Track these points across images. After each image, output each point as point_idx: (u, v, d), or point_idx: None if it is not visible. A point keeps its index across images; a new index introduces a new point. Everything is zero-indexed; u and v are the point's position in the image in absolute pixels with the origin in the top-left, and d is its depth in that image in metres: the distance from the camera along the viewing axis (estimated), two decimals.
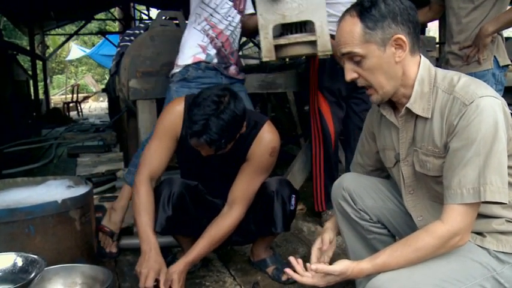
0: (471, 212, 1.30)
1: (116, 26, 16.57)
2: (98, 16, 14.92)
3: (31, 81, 10.67)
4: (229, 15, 2.51)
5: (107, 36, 14.99)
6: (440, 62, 2.77)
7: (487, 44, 2.35)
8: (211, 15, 2.47)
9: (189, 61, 2.45)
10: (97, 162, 5.37)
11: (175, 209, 1.99)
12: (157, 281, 1.81)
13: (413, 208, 1.53)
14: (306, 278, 1.42)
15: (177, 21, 3.20)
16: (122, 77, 2.95)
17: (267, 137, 1.96)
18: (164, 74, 2.84)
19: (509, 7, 2.43)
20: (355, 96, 2.71)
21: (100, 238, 2.46)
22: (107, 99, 10.83)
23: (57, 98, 17.54)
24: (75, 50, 19.45)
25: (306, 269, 1.43)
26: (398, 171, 1.54)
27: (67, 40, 14.73)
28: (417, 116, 1.42)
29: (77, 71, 25.22)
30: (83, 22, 13.80)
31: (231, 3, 2.51)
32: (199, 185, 2.11)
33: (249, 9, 2.64)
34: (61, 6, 9.62)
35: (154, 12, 12.62)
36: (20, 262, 1.65)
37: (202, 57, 2.46)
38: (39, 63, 12.54)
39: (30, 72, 10.85)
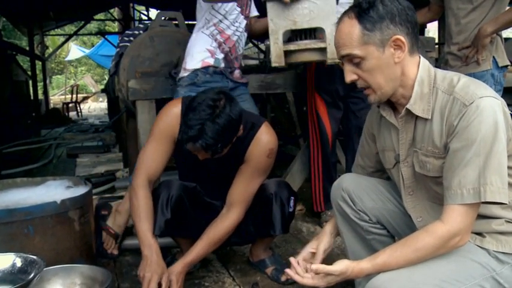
0: (471, 212, 1.30)
1: (115, 27, 16.57)
2: (97, 16, 14.93)
3: (30, 82, 10.66)
4: (237, 21, 2.53)
5: (106, 36, 15.00)
6: (439, 62, 2.77)
7: (486, 44, 2.36)
8: (220, 21, 2.48)
9: (198, 65, 2.45)
10: (96, 162, 5.38)
11: (174, 212, 1.99)
12: (159, 285, 1.81)
13: (413, 209, 1.53)
14: (306, 279, 1.42)
15: (177, 22, 3.20)
16: (121, 77, 2.95)
17: (265, 138, 1.96)
18: (163, 75, 2.84)
19: (508, 8, 2.43)
20: (353, 95, 2.71)
21: (104, 238, 2.46)
22: (106, 100, 10.83)
23: (56, 98, 17.53)
24: (75, 51, 19.45)
25: (306, 270, 1.43)
26: (398, 172, 1.54)
27: (66, 40, 14.72)
28: (417, 117, 1.42)
29: (76, 71, 25.22)
30: (82, 22, 13.79)
31: (238, 9, 2.53)
32: (198, 186, 2.11)
33: (253, 12, 2.66)
34: (60, 6, 9.62)
35: (153, 13, 12.62)
36: (19, 262, 1.64)
37: (211, 61, 2.47)
38: (38, 64, 12.53)
39: (29, 73, 10.85)
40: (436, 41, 5.99)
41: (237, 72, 2.59)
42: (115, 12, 13.65)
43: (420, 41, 1.43)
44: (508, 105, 1.37)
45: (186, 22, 3.23)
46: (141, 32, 3.21)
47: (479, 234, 1.39)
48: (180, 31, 3.05)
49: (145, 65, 2.87)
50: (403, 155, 1.50)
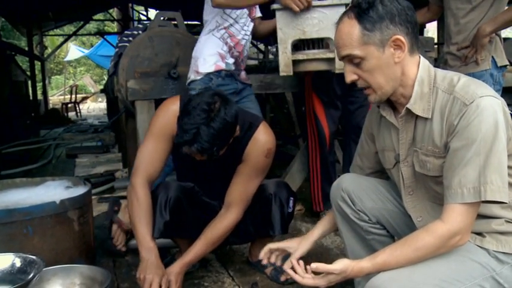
0: (471, 211, 1.30)
1: (114, 27, 16.57)
2: (96, 17, 14.93)
3: (29, 82, 10.67)
4: (246, 25, 2.54)
5: (105, 36, 14.99)
6: (438, 62, 2.78)
7: (485, 44, 2.36)
8: (231, 25, 2.48)
9: (212, 69, 2.45)
10: (95, 162, 5.38)
11: (172, 214, 1.98)
12: (160, 286, 1.81)
13: (413, 209, 1.53)
14: (306, 279, 1.42)
15: (176, 22, 3.20)
16: (121, 77, 2.95)
17: (263, 138, 1.95)
18: (163, 75, 2.84)
19: (506, 7, 2.43)
20: (350, 95, 2.71)
21: (114, 233, 2.43)
22: (105, 100, 10.82)
23: (55, 98, 17.52)
24: (74, 51, 19.44)
25: (306, 270, 1.43)
26: (398, 172, 1.54)
27: (65, 41, 14.72)
28: (417, 117, 1.42)
29: (76, 71, 25.21)
30: (82, 23, 13.81)
31: (247, 13, 2.53)
32: (196, 186, 2.10)
33: (257, 13, 2.66)
34: (59, 6, 9.62)
35: (152, 13, 12.62)
36: (18, 263, 1.64)
37: (223, 65, 2.47)
38: (37, 64, 12.54)
39: (28, 73, 10.85)
40: (435, 41, 5.99)
41: (243, 74, 2.60)
42: (114, 12, 13.65)
43: (419, 41, 1.43)
44: (508, 105, 1.38)
45: (185, 22, 3.23)
46: (140, 32, 3.21)
47: (479, 234, 1.39)
48: (179, 31, 3.05)
49: (144, 65, 2.87)
50: (403, 155, 1.50)
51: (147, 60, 2.90)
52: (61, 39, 14.94)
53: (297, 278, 1.43)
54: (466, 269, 1.33)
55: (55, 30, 15.43)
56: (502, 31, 2.48)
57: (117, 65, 3.21)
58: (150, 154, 1.94)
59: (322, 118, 2.80)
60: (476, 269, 1.33)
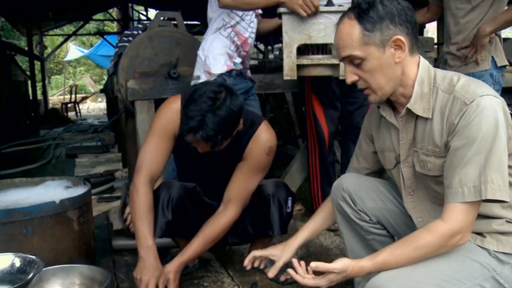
0: (472, 210, 1.30)
1: (114, 27, 16.57)
2: (96, 16, 14.93)
3: (29, 82, 10.68)
4: (252, 21, 2.52)
5: (105, 36, 14.99)
6: (438, 62, 2.78)
7: (485, 44, 2.36)
8: (237, 22, 2.46)
9: (224, 69, 2.43)
10: (95, 162, 5.38)
11: (174, 213, 1.98)
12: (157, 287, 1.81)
13: (414, 209, 1.53)
14: (307, 279, 1.42)
15: (175, 22, 3.20)
16: (120, 77, 2.95)
17: (264, 136, 1.96)
18: (162, 75, 2.84)
19: (506, 7, 2.44)
20: (349, 95, 2.71)
21: (126, 214, 2.35)
22: (105, 100, 10.83)
23: (55, 98, 17.52)
24: (74, 51, 19.44)
25: (307, 271, 1.43)
26: (399, 173, 1.54)
27: (65, 40, 14.72)
28: (417, 117, 1.42)
29: (75, 71, 25.22)
30: (81, 22, 13.81)
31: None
32: (197, 186, 2.10)
33: (259, 10, 2.65)
34: (59, 6, 9.62)
35: (152, 13, 12.62)
36: (18, 263, 1.65)
37: (232, 65, 2.46)
38: (37, 64, 12.54)
39: (28, 73, 10.86)
40: (435, 41, 5.99)
41: (248, 72, 2.61)
42: (114, 12, 13.66)
43: (419, 41, 1.43)
44: (508, 105, 1.38)
45: (185, 22, 3.23)
46: (140, 32, 3.21)
47: (479, 234, 1.39)
48: (179, 31, 3.05)
49: (144, 65, 2.87)
50: (403, 155, 1.50)
51: (146, 60, 2.90)
52: (61, 39, 14.94)
53: (297, 278, 1.43)
54: (467, 269, 1.33)
55: (55, 30, 15.44)
56: (502, 31, 2.48)
57: (117, 65, 3.21)
58: (152, 153, 1.94)
59: (322, 118, 2.80)
60: (476, 269, 1.33)
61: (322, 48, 2.32)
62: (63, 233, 2.02)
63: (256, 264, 1.74)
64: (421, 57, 1.42)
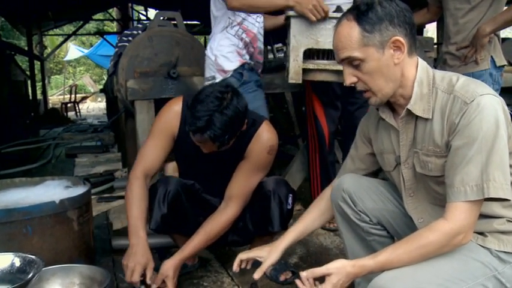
0: (474, 209, 1.30)
1: (114, 27, 16.57)
2: (96, 16, 14.93)
3: (29, 82, 10.67)
4: (258, 16, 2.50)
5: (105, 36, 14.99)
6: (437, 62, 2.78)
7: (485, 44, 2.36)
8: (244, 19, 2.45)
9: (237, 64, 2.42)
10: (95, 162, 5.38)
11: (170, 207, 2.01)
12: (143, 275, 1.82)
13: (414, 210, 1.53)
14: None
15: (175, 22, 3.20)
16: (120, 77, 2.95)
17: (266, 135, 1.98)
18: (162, 74, 2.84)
19: (505, 8, 2.44)
20: (350, 96, 2.71)
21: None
22: (105, 100, 10.83)
23: (55, 98, 17.51)
24: (73, 51, 19.44)
25: (314, 284, 1.41)
26: (399, 174, 1.54)
27: (65, 40, 14.72)
28: (417, 117, 1.42)
29: (75, 71, 25.22)
30: (81, 22, 13.80)
31: None
32: (196, 183, 2.12)
33: None
34: (59, 6, 9.62)
35: (152, 13, 12.62)
36: (17, 262, 1.65)
37: (243, 59, 2.45)
38: (37, 64, 12.54)
39: (28, 73, 10.85)
40: (435, 41, 5.99)
41: (260, 69, 2.61)
42: (114, 12, 13.66)
43: (419, 41, 1.44)
44: (507, 105, 1.38)
45: (185, 22, 3.23)
46: (139, 32, 3.21)
47: (481, 233, 1.39)
48: (179, 31, 3.05)
49: (143, 65, 2.87)
50: (403, 157, 1.50)
51: (146, 60, 2.90)
52: (61, 38, 14.94)
53: None
54: (469, 269, 1.33)
55: (55, 29, 15.44)
56: (502, 31, 2.49)
57: (116, 65, 3.21)
58: (149, 150, 2.00)
59: (322, 118, 2.80)
60: (478, 269, 1.33)
61: (328, 54, 2.31)
62: (63, 232, 2.02)
63: (243, 266, 1.72)
64: (419, 58, 1.43)
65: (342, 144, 3.06)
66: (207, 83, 2.48)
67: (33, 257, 1.64)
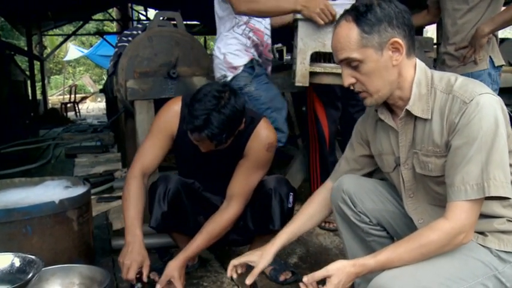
0: (475, 208, 1.30)
1: (113, 27, 16.59)
2: (95, 16, 14.94)
3: (29, 82, 10.65)
4: None
5: (104, 36, 15.00)
6: (436, 62, 2.79)
7: (484, 44, 2.37)
8: (250, 17, 2.45)
9: (247, 59, 2.43)
10: (95, 162, 5.38)
11: (170, 205, 2.01)
12: (139, 273, 1.82)
13: (414, 211, 1.53)
14: None
15: (175, 22, 3.20)
16: (120, 77, 2.95)
17: (264, 133, 1.98)
18: (162, 75, 2.84)
19: (503, 8, 2.44)
20: (350, 97, 2.71)
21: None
22: (104, 100, 10.83)
23: (54, 98, 17.51)
24: (73, 51, 19.44)
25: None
26: (398, 175, 1.54)
27: (65, 40, 14.73)
28: (416, 118, 1.42)
29: (75, 71, 25.21)
30: (81, 22, 13.81)
31: None
32: (196, 182, 2.13)
33: None
34: (59, 6, 9.62)
35: (152, 13, 12.63)
36: (17, 262, 1.65)
37: (251, 55, 2.45)
38: (36, 64, 12.54)
39: (27, 73, 10.83)
40: (435, 41, 5.99)
41: (269, 68, 2.62)
42: (113, 12, 13.67)
43: (419, 42, 1.44)
44: (506, 105, 1.38)
45: (185, 22, 3.22)
46: (139, 32, 3.21)
47: (481, 233, 1.39)
48: (179, 31, 3.05)
49: (143, 65, 2.87)
50: (403, 158, 1.50)
51: (146, 60, 2.90)
52: (60, 39, 14.95)
53: None
54: (469, 268, 1.33)
55: (54, 30, 15.44)
56: (502, 31, 2.49)
57: (116, 65, 3.21)
58: (147, 149, 2.01)
59: (323, 118, 2.80)
60: (479, 268, 1.34)
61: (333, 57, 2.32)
62: (63, 232, 2.02)
63: (239, 271, 1.70)
64: (418, 60, 1.43)
65: (342, 145, 3.06)
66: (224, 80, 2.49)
67: (33, 257, 1.64)
